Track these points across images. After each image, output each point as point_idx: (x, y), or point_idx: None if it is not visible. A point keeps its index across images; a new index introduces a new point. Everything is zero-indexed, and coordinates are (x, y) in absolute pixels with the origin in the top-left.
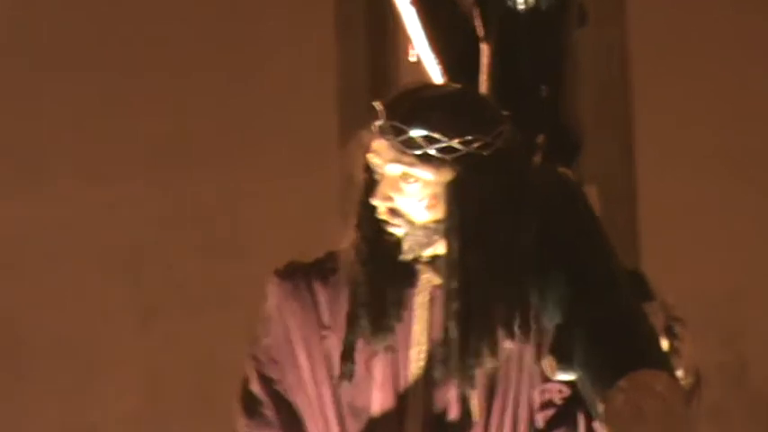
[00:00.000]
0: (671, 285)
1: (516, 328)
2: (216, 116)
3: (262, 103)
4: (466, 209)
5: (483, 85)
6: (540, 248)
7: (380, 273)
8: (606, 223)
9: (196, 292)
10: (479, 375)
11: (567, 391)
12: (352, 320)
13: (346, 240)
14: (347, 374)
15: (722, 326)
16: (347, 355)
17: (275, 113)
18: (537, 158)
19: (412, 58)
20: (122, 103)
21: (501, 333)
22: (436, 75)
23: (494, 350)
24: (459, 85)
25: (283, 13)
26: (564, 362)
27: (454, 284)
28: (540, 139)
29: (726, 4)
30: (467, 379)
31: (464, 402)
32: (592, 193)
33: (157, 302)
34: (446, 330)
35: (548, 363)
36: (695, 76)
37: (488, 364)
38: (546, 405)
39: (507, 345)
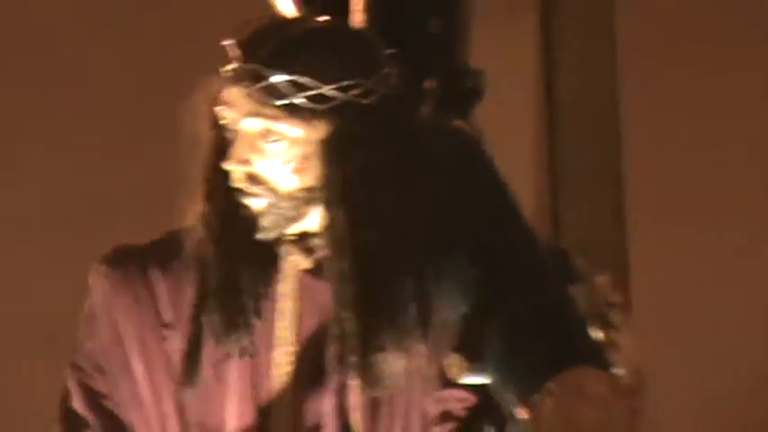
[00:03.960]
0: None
1: (418, 319)
2: None
3: None
4: (347, 171)
5: (358, 19)
6: (436, 220)
7: (235, 255)
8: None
9: None
10: (387, 377)
11: (471, 400)
12: (198, 315)
13: (192, 215)
14: (190, 382)
15: None
16: (191, 357)
17: None
18: (427, 108)
19: None
20: None
21: (406, 323)
22: (294, 8)
23: (402, 344)
24: (330, 20)
25: None
26: (473, 360)
27: (345, 266)
28: (431, 83)
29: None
30: (372, 382)
31: (342, 416)
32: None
33: None
34: (340, 323)
35: (453, 363)
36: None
37: (397, 361)
38: (444, 418)
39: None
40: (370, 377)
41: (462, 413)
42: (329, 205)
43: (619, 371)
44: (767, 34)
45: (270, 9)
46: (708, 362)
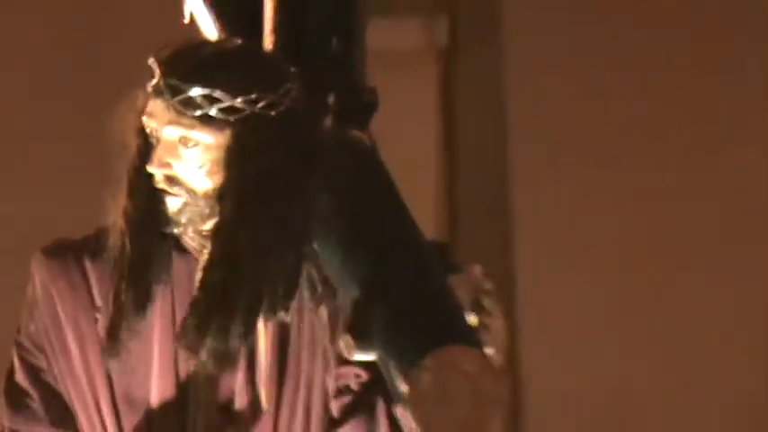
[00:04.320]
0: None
1: (281, 306)
2: None
3: None
4: (244, 174)
5: (267, 41)
6: (334, 218)
7: (154, 245)
8: None
9: None
10: (237, 357)
11: (365, 376)
12: (117, 296)
13: (115, 212)
14: (111, 353)
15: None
16: (112, 331)
17: None
18: (327, 120)
19: (185, 19)
20: None
21: (263, 311)
22: (213, 32)
23: (247, 332)
24: (241, 41)
25: None
26: (362, 340)
27: (217, 254)
28: (331, 98)
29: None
30: (216, 360)
31: (252, 390)
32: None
33: None
34: (194, 303)
35: (344, 342)
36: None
37: (237, 344)
38: (341, 391)
39: (282, 318)
40: (214, 355)
41: (357, 387)
42: (220, 200)
43: (488, 350)
44: (644, 83)
45: (197, 32)
46: (580, 369)
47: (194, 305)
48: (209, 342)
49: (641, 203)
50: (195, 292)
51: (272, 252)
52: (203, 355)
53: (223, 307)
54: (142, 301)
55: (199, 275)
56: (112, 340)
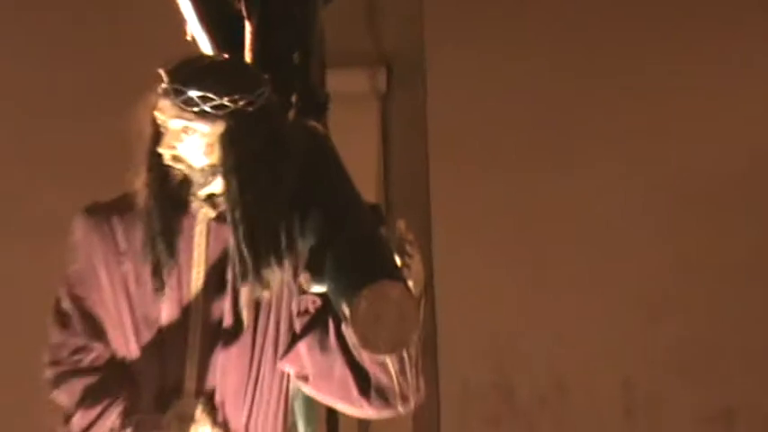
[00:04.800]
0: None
1: (284, 247)
2: None
3: None
4: (238, 154)
5: (248, 56)
6: (296, 185)
7: (168, 206)
8: None
9: None
10: (274, 282)
11: (319, 302)
12: (147, 245)
13: (138, 182)
14: (159, 288)
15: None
16: (156, 272)
17: None
18: (292, 114)
19: (188, 37)
20: None
21: (283, 249)
22: (208, 49)
23: (280, 262)
24: (227, 56)
25: None
26: (317, 276)
27: (237, 215)
28: (294, 98)
29: (520, 110)
30: (264, 285)
31: (236, 312)
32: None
33: None
34: (239, 251)
35: (304, 278)
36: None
37: (277, 272)
38: (302, 313)
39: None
40: (261, 282)
41: (313, 310)
42: (225, 176)
43: (410, 283)
44: (531, 115)
45: (195, 47)
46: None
47: (238, 251)
48: (257, 273)
49: (531, 200)
50: (198, 240)
51: (272, 209)
52: (253, 281)
53: (257, 250)
54: (171, 250)
55: (198, 228)
56: (156, 277)
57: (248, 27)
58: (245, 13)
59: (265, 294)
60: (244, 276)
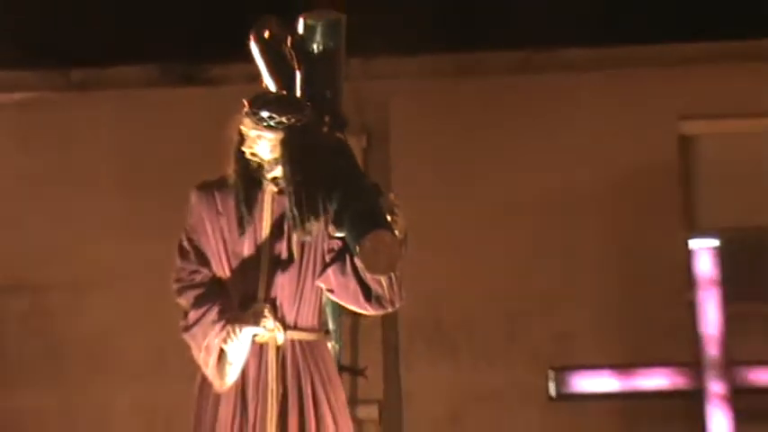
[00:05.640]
0: None
1: (320, 210)
2: None
3: None
4: (291, 152)
5: (298, 92)
6: (330, 170)
7: (248, 184)
8: None
9: None
10: (313, 230)
11: (340, 243)
12: (235, 208)
13: (229, 169)
14: (242, 234)
15: None
16: (240, 224)
17: None
18: (325, 128)
19: (264, 84)
20: None
21: (319, 210)
22: (273, 88)
23: (317, 219)
24: (285, 92)
25: None
26: (339, 227)
27: (290, 190)
28: (327, 118)
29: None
30: (306, 233)
31: (289, 249)
32: None
33: None
34: (291, 212)
35: (331, 228)
36: None
37: (315, 225)
38: (330, 250)
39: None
40: (305, 230)
41: (337, 248)
42: (284, 165)
43: (396, 233)
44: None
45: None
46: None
47: (290, 212)
48: (302, 225)
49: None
50: (266, 205)
51: (308, 183)
52: (300, 230)
53: (301, 210)
54: (249, 210)
55: (266, 197)
56: (240, 227)
57: (298, 75)
58: (296, 67)
59: (307, 238)
60: (294, 227)
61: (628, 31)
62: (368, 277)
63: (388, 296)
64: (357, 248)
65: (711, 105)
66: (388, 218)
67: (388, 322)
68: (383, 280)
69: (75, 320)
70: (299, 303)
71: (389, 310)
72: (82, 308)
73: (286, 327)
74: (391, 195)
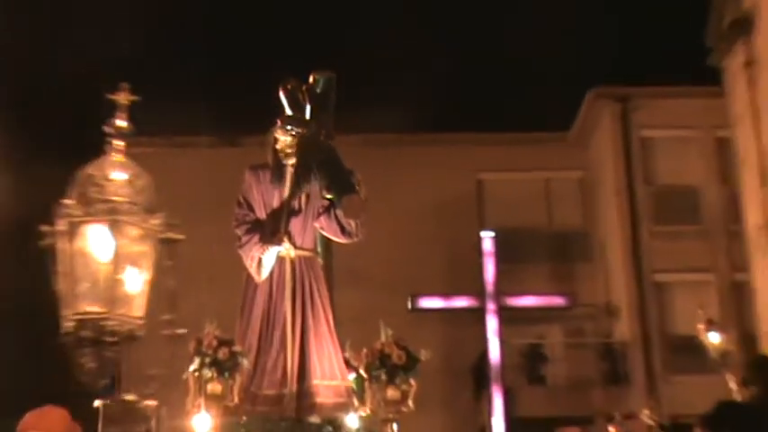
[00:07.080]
0: None
1: (318, 179)
2: None
3: None
4: (302, 150)
5: (307, 116)
6: (324, 161)
7: (278, 167)
8: None
9: None
10: (311, 190)
11: (328, 202)
12: (271, 180)
13: (268, 158)
14: (275, 190)
15: None
16: (274, 186)
17: None
18: (323, 138)
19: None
20: None
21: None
22: (289, 110)
23: (310, 183)
24: (300, 116)
25: None
26: (329, 191)
27: (300, 171)
28: (323, 133)
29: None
30: (305, 190)
31: (300, 203)
32: None
33: None
34: (318, 186)
35: (324, 192)
36: None
37: (315, 187)
38: (323, 205)
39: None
40: (303, 189)
41: (326, 203)
42: (297, 157)
43: (362, 195)
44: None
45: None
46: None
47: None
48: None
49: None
50: (288, 177)
51: (311, 166)
52: (307, 189)
53: (308, 178)
54: (279, 181)
55: (288, 173)
56: (274, 188)
57: (308, 107)
58: (307, 103)
59: (305, 192)
60: (299, 187)
61: (439, 119)
62: (344, 220)
63: (355, 232)
64: (340, 204)
65: (498, 164)
66: (357, 187)
67: None
68: (352, 222)
69: None
70: (304, 234)
71: (355, 240)
72: None
73: (296, 248)
74: (357, 175)
